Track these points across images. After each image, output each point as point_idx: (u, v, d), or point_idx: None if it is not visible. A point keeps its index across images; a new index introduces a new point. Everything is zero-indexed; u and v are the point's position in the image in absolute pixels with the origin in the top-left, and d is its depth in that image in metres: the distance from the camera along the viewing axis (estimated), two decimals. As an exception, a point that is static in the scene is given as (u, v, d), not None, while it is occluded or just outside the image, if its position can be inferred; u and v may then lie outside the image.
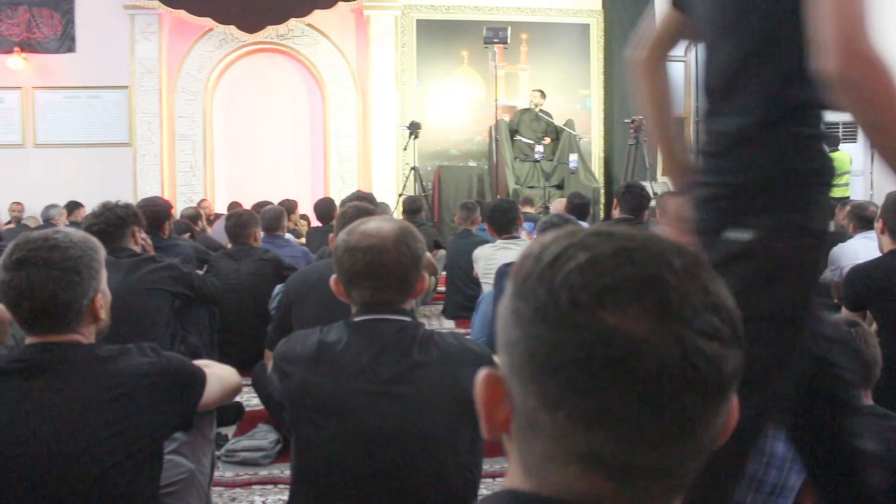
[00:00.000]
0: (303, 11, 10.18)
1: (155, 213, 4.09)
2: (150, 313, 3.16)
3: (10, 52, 10.35)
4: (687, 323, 0.61)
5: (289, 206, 7.17)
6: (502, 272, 3.37)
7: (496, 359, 0.71)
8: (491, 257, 4.35)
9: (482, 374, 0.69)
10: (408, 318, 1.83)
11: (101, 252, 1.80)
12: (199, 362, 1.98)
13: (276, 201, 7.08)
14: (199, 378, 1.86)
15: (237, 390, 2.12)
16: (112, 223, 3.26)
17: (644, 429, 0.61)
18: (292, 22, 10.28)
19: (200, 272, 3.95)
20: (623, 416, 0.61)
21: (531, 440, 0.66)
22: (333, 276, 1.84)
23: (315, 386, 1.76)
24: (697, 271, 0.65)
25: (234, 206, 9.20)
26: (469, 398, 1.73)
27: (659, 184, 9.46)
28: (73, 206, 8.89)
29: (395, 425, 1.72)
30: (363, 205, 3.17)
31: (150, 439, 1.72)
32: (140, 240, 3.40)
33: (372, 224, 1.83)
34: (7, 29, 10.40)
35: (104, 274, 1.79)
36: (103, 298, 1.78)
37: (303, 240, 6.69)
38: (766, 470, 1.79)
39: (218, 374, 2.00)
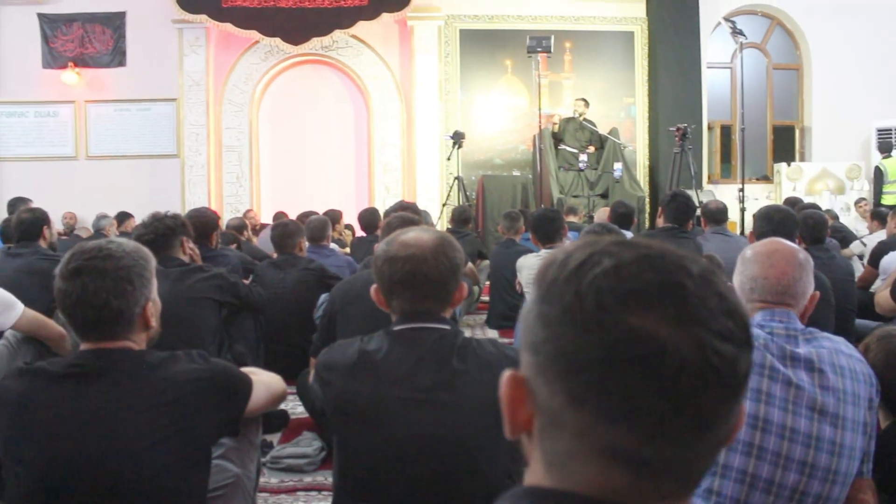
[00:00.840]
0: (347, 23, 10.28)
1: (203, 224, 4.15)
2: (198, 321, 3.21)
3: (64, 67, 10.64)
4: (705, 325, 0.65)
5: (333, 216, 7.22)
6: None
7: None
8: (534, 267, 4.31)
9: (506, 374, 0.73)
10: (447, 327, 1.85)
11: (152, 262, 1.85)
12: (245, 369, 2.02)
13: (320, 211, 7.15)
14: (246, 384, 1.90)
15: (282, 397, 2.15)
16: (161, 233, 3.32)
17: (665, 424, 0.65)
18: (337, 33, 10.37)
19: (246, 282, 4.01)
20: (645, 412, 0.65)
21: (554, 437, 0.70)
22: (374, 286, 1.87)
23: (356, 394, 1.79)
24: (712, 278, 0.69)
25: (279, 216, 9.31)
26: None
27: (704, 192, 9.37)
28: (122, 217, 9.07)
29: (435, 433, 1.74)
30: (408, 215, 3.20)
31: (198, 444, 1.77)
32: (188, 249, 3.47)
33: (411, 234, 1.85)
34: (62, 45, 10.69)
35: (155, 283, 1.84)
36: (154, 307, 1.83)
37: (347, 249, 6.74)
38: (808, 482, 1.77)
39: (264, 381, 2.04)
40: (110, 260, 1.73)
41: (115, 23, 10.74)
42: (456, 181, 9.65)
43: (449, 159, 9.99)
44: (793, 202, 7.06)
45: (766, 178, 11.65)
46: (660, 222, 4.84)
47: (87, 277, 1.71)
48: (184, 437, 1.72)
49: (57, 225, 9.97)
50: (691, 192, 6.59)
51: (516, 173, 10.82)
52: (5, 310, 2.91)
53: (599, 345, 0.65)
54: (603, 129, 10.36)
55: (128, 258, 1.76)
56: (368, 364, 1.79)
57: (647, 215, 10.17)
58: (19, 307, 2.93)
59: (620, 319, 0.65)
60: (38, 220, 4.44)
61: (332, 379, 1.82)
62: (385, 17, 10.35)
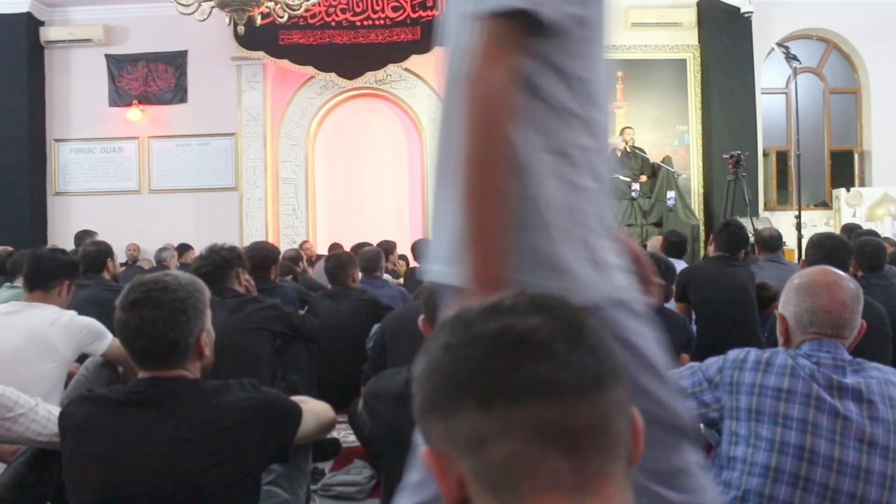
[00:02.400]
0: (400, 57, 10.41)
1: (263, 258, 4.25)
2: (252, 351, 3.28)
3: (129, 104, 11.00)
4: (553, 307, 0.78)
5: (387, 248, 7.30)
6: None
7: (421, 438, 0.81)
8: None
9: (423, 452, 0.79)
10: (492, 358, 1.87)
11: (207, 293, 1.92)
12: (295, 398, 2.07)
13: (375, 242, 7.23)
14: (296, 413, 1.96)
15: (331, 426, 2.20)
16: (218, 265, 3.43)
17: (561, 385, 0.73)
18: (390, 67, 10.49)
19: (302, 312, 4.07)
20: (541, 379, 0.73)
21: (486, 460, 0.74)
22: (421, 317, 1.91)
23: (402, 422, 1.81)
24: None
25: (334, 247, 9.43)
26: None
27: (761, 219, 9.24)
28: (183, 249, 9.29)
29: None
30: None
31: (249, 470, 1.82)
32: (244, 281, 3.56)
33: (456, 266, 1.89)
34: (127, 84, 11.07)
35: (209, 314, 1.91)
36: (208, 337, 1.90)
37: (401, 280, 6.80)
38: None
39: (313, 410, 2.09)
40: (166, 292, 1.81)
41: (177, 61, 11.08)
42: (508, 211, 9.67)
43: (502, 189, 10.00)
44: (850, 228, 6.93)
45: (825, 205, 11.43)
46: (711, 251, 4.80)
47: (144, 309, 1.79)
48: (235, 463, 1.78)
49: (120, 256, 10.26)
50: (746, 220, 6.52)
51: (569, 203, 10.78)
52: (97, 339, 3.16)
53: (480, 349, 0.75)
54: (656, 157, 10.33)
55: (183, 291, 1.84)
56: None
57: (701, 243, 10.06)
58: (109, 336, 3.15)
59: (485, 325, 0.76)
60: (102, 253, 4.61)
61: (379, 407, 1.86)
62: (437, 50, 10.41)
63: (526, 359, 0.73)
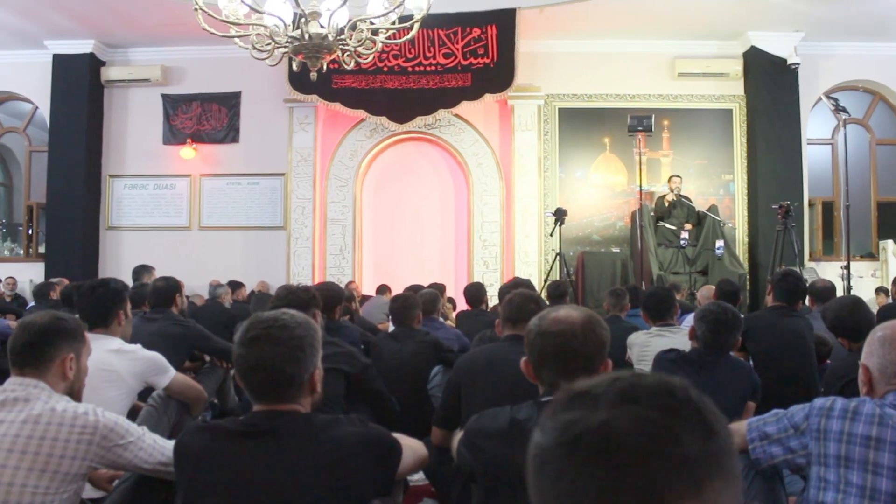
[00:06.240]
0: (451, 103, 10.59)
1: (331, 298, 4.35)
2: (326, 390, 3.36)
3: (182, 143, 11.32)
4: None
5: (439, 289, 7.39)
6: (661, 359, 3.43)
7: None
8: (646, 344, 4.36)
9: None
10: (593, 400, 1.95)
11: (320, 333, 2.03)
12: (394, 435, 2.16)
13: (420, 284, 7.31)
14: (398, 449, 2.05)
15: (425, 462, 2.29)
16: (294, 306, 3.52)
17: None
18: (439, 112, 10.67)
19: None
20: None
21: None
22: (524, 359, 2.00)
23: (507, 460, 1.90)
24: None
25: (382, 288, 9.54)
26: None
27: (806, 270, 9.22)
28: (235, 286, 9.45)
29: (582, 500, 1.83)
30: (528, 292, 3.31)
31: (357, 502, 1.90)
32: (318, 322, 3.66)
33: (562, 311, 1.99)
34: (181, 123, 11.41)
35: (321, 352, 2.02)
36: (319, 373, 2.00)
37: (450, 322, 6.87)
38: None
39: (410, 446, 2.18)
40: (285, 330, 1.91)
41: (230, 102, 11.40)
42: (557, 257, 9.74)
43: (551, 235, 10.12)
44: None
45: (871, 256, 11.38)
46: (769, 301, 4.82)
47: (265, 345, 1.89)
48: (344, 495, 1.86)
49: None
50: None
51: (615, 249, 10.87)
52: (161, 372, 3.30)
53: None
54: (701, 206, 10.38)
55: (300, 329, 1.94)
56: (519, 432, 1.91)
57: (747, 293, 10.03)
58: (172, 371, 3.31)
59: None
60: (172, 289, 4.77)
61: (483, 445, 1.95)
62: (487, 95, 10.60)
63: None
